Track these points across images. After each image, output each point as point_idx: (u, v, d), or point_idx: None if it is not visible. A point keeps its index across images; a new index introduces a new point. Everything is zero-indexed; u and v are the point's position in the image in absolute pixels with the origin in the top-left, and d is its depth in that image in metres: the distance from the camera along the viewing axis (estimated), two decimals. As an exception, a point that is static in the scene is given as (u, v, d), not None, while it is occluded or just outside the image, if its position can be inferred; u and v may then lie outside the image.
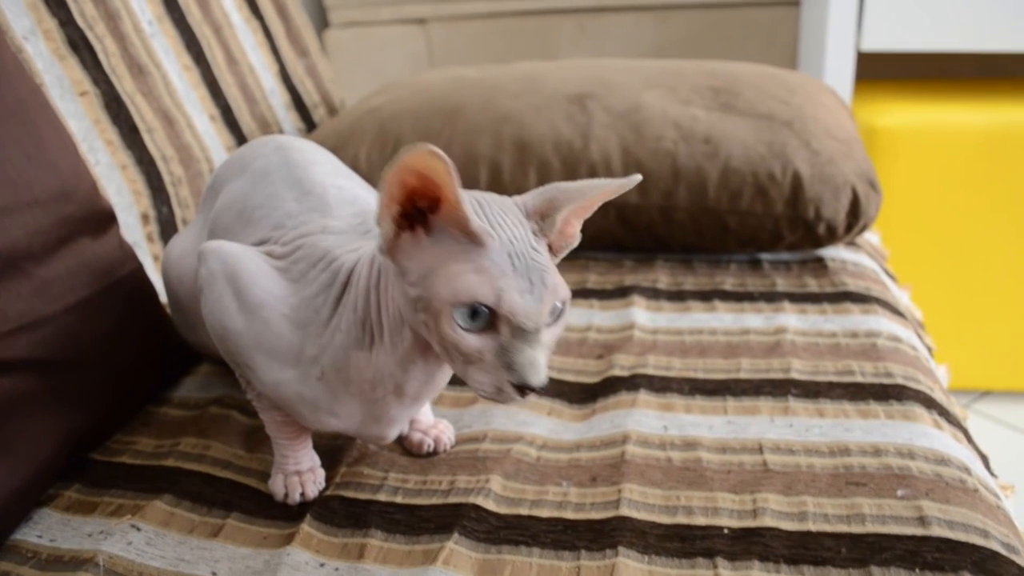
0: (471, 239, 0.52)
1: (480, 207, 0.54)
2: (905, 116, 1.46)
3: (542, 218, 0.55)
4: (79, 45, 0.94)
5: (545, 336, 0.53)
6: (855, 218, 1.00)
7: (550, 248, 0.57)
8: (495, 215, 0.53)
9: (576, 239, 0.58)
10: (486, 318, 0.51)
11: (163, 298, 0.83)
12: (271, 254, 0.63)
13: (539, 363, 0.52)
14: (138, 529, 0.62)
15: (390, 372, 0.58)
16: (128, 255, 0.79)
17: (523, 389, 0.52)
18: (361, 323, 0.58)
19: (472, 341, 0.51)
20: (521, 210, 0.55)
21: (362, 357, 0.58)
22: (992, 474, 0.71)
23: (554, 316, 0.54)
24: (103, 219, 0.77)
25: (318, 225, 0.64)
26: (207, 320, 0.62)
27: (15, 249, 0.66)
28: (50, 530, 0.63)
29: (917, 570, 0.54)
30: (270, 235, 0.65)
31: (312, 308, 0.60)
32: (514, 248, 0.52)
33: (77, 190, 0.74)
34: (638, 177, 0.56)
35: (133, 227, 0.96)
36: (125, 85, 0.99)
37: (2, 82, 0.71)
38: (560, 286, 0.53)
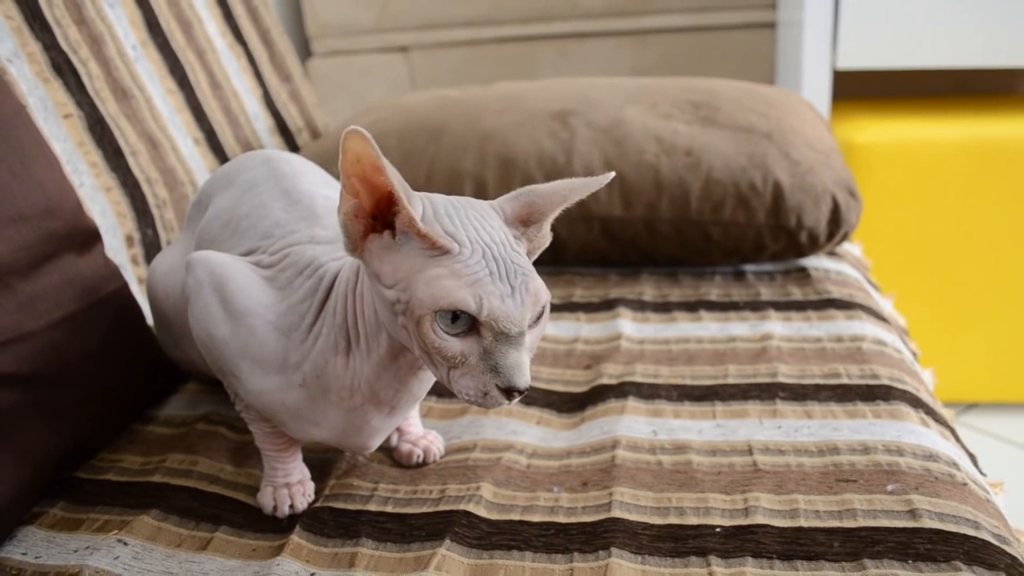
0: (430, 247, 0.51)
1: (451, 212, 0.53)
2: (883, 132, 1.49)
3: (523, 223, 0.55)
4: (63, 68, 0.95)
5: (528, 338, 0.53)
6: (836, 226, 1.01)
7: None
8: (468, 220, 0.53)
9: (548, 238, 0.58)
10: (468, 322, 0.51)
11: (149, 318, 0.83)
12: (259, 264, 0.63)
13: (524, 365, 0.51)
14: (125, 544, 0.61)
15: (366, 378, 0.58)
16: (113, 273, 0.79)
17: (509, 392, 0.51)
18: (340, 328, 0.58)
19: (455, 345, 0.51)
20: (499, 214, 0.55)
21: (339, 363, 0.58)
22: (981, 472, 0.72)
23: (535, 318, 0.53)
24: (88, 236, 0.77)
25: (306, 235, 0.64)
26: (193, 329, 0.62)
27: (-1, 264, 0.66)
28: (35, 547, 0.62)
29: (910, 561, 0.54)
30: (258, 245, 0.65)
31: (297, 314, 0.60)
32: (491, 252, 0.52)
33: (62, 207, 0.74)
34: (611, 175, 0.56)
35: (118, 249, 0.95)
36: (109, 108, 0.99)
37: (-15, 100, 0.71)
38: (542, 290, 0.53)
